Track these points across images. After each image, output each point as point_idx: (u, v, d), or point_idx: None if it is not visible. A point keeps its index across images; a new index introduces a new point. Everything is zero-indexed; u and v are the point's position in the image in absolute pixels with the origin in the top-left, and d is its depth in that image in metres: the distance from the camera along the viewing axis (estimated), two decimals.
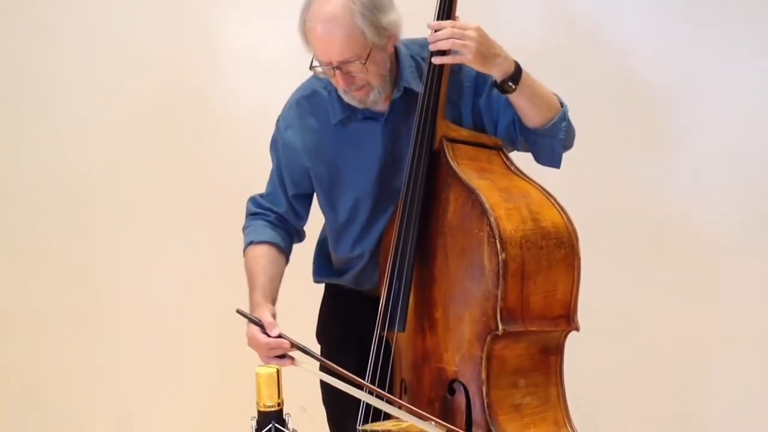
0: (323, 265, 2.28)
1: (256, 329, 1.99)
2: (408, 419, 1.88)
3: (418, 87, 2.03)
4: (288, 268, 2.24)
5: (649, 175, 2.98)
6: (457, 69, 2.04)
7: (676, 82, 2.93)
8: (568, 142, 2.06)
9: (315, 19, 1.97)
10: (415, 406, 1.93)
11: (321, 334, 2.29)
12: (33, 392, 3.45)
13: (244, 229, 2.23)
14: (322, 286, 2.34)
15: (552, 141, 2.02)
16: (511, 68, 1.95)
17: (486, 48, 1.92)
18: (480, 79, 2.07)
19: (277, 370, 1.90)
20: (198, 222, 3.26)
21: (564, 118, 2.03)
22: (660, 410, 3.00)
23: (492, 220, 1.84)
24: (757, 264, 2.89)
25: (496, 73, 1.94)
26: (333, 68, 1.97)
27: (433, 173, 1.97)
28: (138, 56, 3.20)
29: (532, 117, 2.00)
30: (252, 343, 2.01)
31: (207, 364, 3.29)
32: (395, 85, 2.06)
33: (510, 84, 1.94)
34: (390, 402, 1.92)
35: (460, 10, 2.02)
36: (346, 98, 2.03)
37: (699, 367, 2.99)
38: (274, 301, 2.10)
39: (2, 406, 3.47)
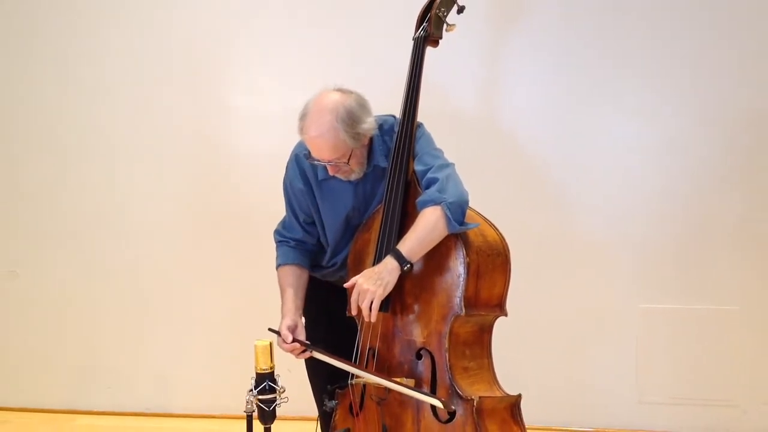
0: None
1: (279, 339, 2.44)
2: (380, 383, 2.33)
3: (386, 163, 2.45)
4: None
5: (544, 203, 3.61)
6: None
7: (562, 134, 3.58)
8: (458, 216, 2.29)
9: (308, 132, 2.34)
10: (384, 368, 2.36)
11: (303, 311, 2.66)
12: (92, 359, 4.07)
13: (276, 256, 2.63)
14: None
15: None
16: (395, 263, 2.27)
17: (375, 281, 2.25)
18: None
19: (270, 343, 2.31)
20: (212, 234, 3.91)
21: (450, 222, 2.26)
22: (557, 373, 3.67)
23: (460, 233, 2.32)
24: (624, 266, 3.60)
25: (396, 277, 2.27)
26: (324, 162, 2.40)
27: (407, 198, 2.42)
28: (169, 112, 3.92)
29: (437, 240, 2.31)
30: (280, 348, 2.45)
31: (220, 338, 3.93)
32: (369, 163, 2.48)
33: (405, 270, 2.28)
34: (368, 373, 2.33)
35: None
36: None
37: (580, 341, 3.65)
38: (299, 308, 2.51)
39: (70, 370, 4.11)
